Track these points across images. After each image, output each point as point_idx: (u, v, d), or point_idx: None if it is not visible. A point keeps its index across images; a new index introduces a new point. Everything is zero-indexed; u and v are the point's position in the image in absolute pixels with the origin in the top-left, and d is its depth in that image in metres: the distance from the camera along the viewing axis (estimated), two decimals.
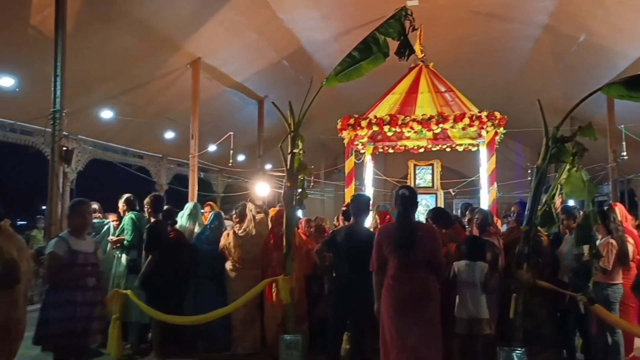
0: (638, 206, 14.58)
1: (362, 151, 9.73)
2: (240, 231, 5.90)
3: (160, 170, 13.46)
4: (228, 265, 5.88)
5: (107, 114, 10.01)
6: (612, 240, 5.06)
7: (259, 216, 6.15)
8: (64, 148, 6.69)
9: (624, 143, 10.11)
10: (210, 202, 7.70)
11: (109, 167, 12.08)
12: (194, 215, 6.68)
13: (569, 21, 9.34)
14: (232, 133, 11.28)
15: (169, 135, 12.15)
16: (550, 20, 9.56)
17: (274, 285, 5.44)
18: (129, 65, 9.30)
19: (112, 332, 5.45)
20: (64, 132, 6.85)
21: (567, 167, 4.62)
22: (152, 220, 5.81)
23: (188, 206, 6.91)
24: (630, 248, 5.23)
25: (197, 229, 6.53)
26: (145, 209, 6.00)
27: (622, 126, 10.34)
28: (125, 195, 6.33)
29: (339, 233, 4.96)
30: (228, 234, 5.93)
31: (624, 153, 10.08)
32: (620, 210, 5.58)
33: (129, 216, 6.09)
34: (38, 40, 7.44)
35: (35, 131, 9.44)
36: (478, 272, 4.81)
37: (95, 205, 6.48)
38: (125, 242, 5.92)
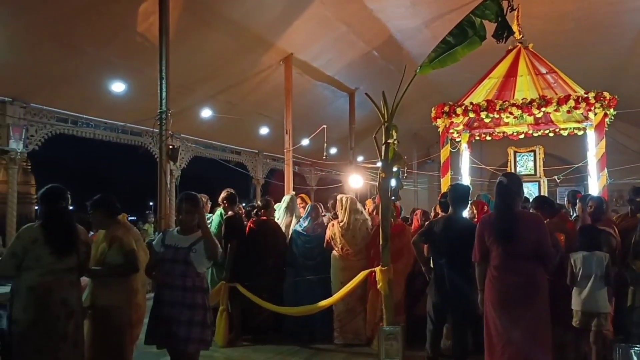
0: None
1: (457, 139, 9.44)
2: (341, 223, 5.95)
3: (256, 165, 13.98)
4: (334, 255, 5.96)
5: (206, 112, 10.52)
6: None
7: (362, 216, 6.12)
8: (170, 147, 7.10)
9: None
10: (302, 194, 7.86)
11: (210, 164, 12.73)
12: (291, 208, 6.87)
13: None
14: (325, 126, 11.41)
15: (264, 131, 12.54)
16: None
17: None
18: (225, 65, 9.72)
19: (220, 322, 5.78)
20: (170, 132, 7.28)
21: None
22: (229, 214, 6.11)
23: (285, 199, 7.11)
24: None
25: (294, 221, 6.70)
26: (222, 205, 6.28)
27: None
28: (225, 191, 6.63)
29: (437, 223, 4.86)
30: (333, 225, 6.00)
31: None
32: None
33: (217, 211, 6.43)
34: (144, 47, 7.98)
35: (144, 132, 10.16)
36: (596, 263, 4.52)
37: (203, 198, 6.81)
38: None
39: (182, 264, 3.68)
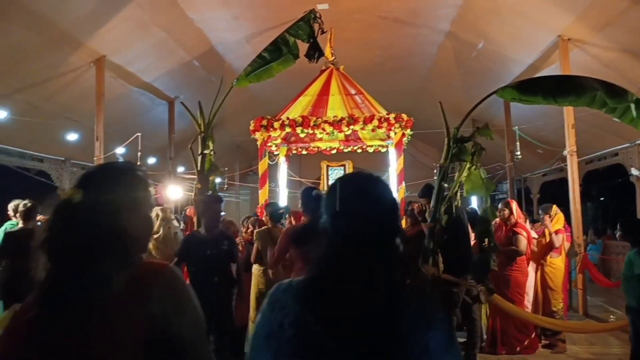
0: (533, 202, 15.75)
1: (276, 153, 9.75)
2: (156, 235, 5.74)
3: (62, 175, 12.66)
4: None
5: (0, 113, 9.28)
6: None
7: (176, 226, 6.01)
8: None
9: (517, 143, 10.88)
10: None
11: (4, 172, 11.22)
12: None
13: (469, 28, 9.88)
14: (139, 134, 10.85)
15: (72, 137, 11.45)
16: (452, 27, 10.07)
17: None
18: (25, 62, 8.69)
19: None
20: None
21: (467, 165, 4.90)
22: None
23: None
24: (524, 241, 5.67)
25: None
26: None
27: (516, 127, 11.12)
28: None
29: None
30: None
31: (518, 153, 10.85)
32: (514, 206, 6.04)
33: (4, 226, 5.89)
34: None
35: None
36: None
37: None
38: None
39: None
